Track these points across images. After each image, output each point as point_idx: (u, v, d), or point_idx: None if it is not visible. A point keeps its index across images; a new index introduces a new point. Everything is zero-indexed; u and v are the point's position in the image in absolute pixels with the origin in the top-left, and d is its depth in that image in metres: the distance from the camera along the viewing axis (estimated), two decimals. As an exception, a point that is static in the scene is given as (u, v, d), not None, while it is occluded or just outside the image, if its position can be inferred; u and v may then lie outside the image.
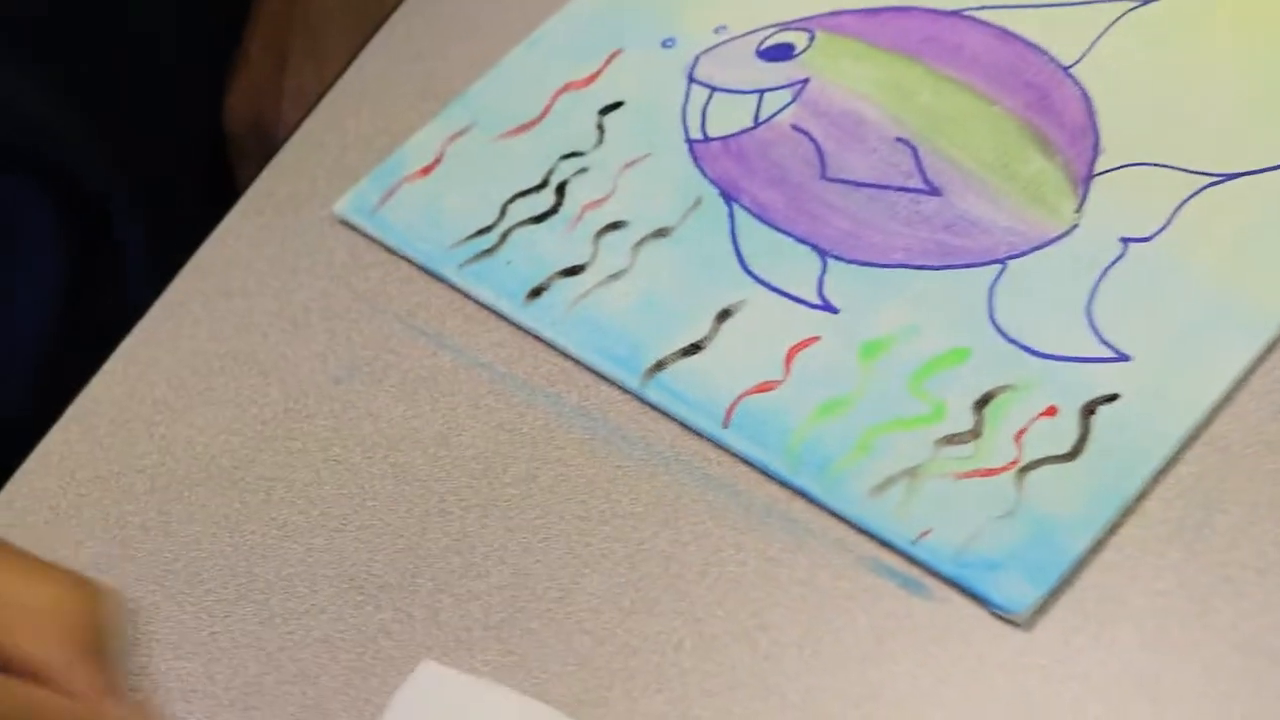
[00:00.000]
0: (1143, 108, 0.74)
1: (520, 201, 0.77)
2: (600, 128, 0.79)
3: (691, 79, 0.80)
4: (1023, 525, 0.63)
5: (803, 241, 0.73)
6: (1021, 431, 0.66)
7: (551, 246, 0.75)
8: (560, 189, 0.77)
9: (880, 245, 0.72)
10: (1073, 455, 0.65)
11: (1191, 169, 0.72)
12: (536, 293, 0.74)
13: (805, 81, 0.78)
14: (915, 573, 0.64)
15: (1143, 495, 0.64)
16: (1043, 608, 0.62)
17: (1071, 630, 0.62)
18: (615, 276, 0.73)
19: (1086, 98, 0.75)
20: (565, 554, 0.67)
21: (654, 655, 0.64)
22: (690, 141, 0.77)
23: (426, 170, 0.79)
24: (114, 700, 0.59)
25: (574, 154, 0.78)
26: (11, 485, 0.73)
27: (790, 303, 0.71)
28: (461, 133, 0.80)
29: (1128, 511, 0.64)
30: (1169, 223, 0.70)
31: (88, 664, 0.59)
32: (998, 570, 0.63)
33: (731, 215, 0.74)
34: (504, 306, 0.74)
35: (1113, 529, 0.64)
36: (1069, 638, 0.62)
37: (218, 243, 0.80)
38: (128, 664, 0.66)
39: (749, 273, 0.72)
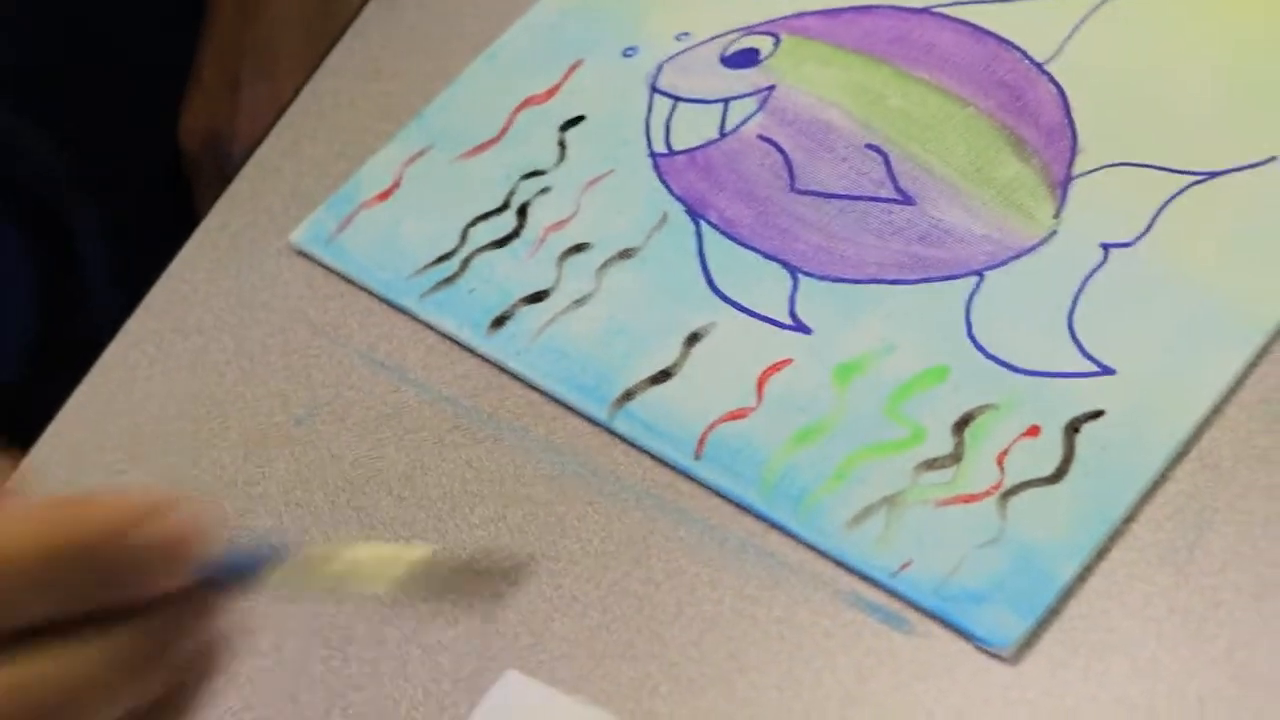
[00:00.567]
0: (1121, 104, 0.72)
1: (481, 225, 0.74)
2: (562, 144, 0.76)
3: (655, 89, 0.77)
4: (1007, 554, 0.61)
5: (772, 258, 0.70)
6: (1003, 453, 0.63)
7: (514, 272, 0.72)
8: (522, 210, 0.74)
9: (853, 260, 0.70)
10: (1057, 477, 0.63)
11: (1173, 168, 0.69)
12: (500, 321, 0.71)
13: (771, 88, 0.76)
14: (897, 606, 0.62)
15: (1130, 517, 0.62)
16: (1030, 640, 0.60)
17: (1060, 663, 0.60)
18: (580, 302, 0.71)
19: (1062, 95, 0.72)
20: (536, 598, 0.65)
21: (629, 702, 0.62)
22: (654, 155, 0.75)
23: (385, 195, 0.77)
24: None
25: (535, 173, 0.75)
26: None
27: (761, 324, 0.69)
28: (420, 154, 0.78)
29: (1115, 535, 0.62)
30: (1151, 226, 0.68)
31: None
32: (982, 602, 0.60)
33: (699, 232, 0.72)
34: (467, 337, 0.71)
35: (1100, 554, 0.61)
36: (1057, 670, 0.60)
37: (173, 279, 0.77)
38: None
39: (718, 293, 0.70)
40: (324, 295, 0.75)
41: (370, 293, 0.74)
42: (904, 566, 0.62)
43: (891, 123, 0.73)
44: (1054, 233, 0.69)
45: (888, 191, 0.71)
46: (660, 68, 0.78)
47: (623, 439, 0.67)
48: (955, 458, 0.64)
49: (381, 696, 0.63)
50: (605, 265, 0.72)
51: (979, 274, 0.68)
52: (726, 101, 0.76)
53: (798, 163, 0.73)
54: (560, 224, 0.73)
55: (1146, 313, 0.66)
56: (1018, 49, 0.74)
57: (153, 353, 0.75)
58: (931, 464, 0.64)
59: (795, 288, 0.69)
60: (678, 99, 0.76)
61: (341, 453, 0.70)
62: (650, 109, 0.76)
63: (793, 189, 0.72)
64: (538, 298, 0.72)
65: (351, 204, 0.77)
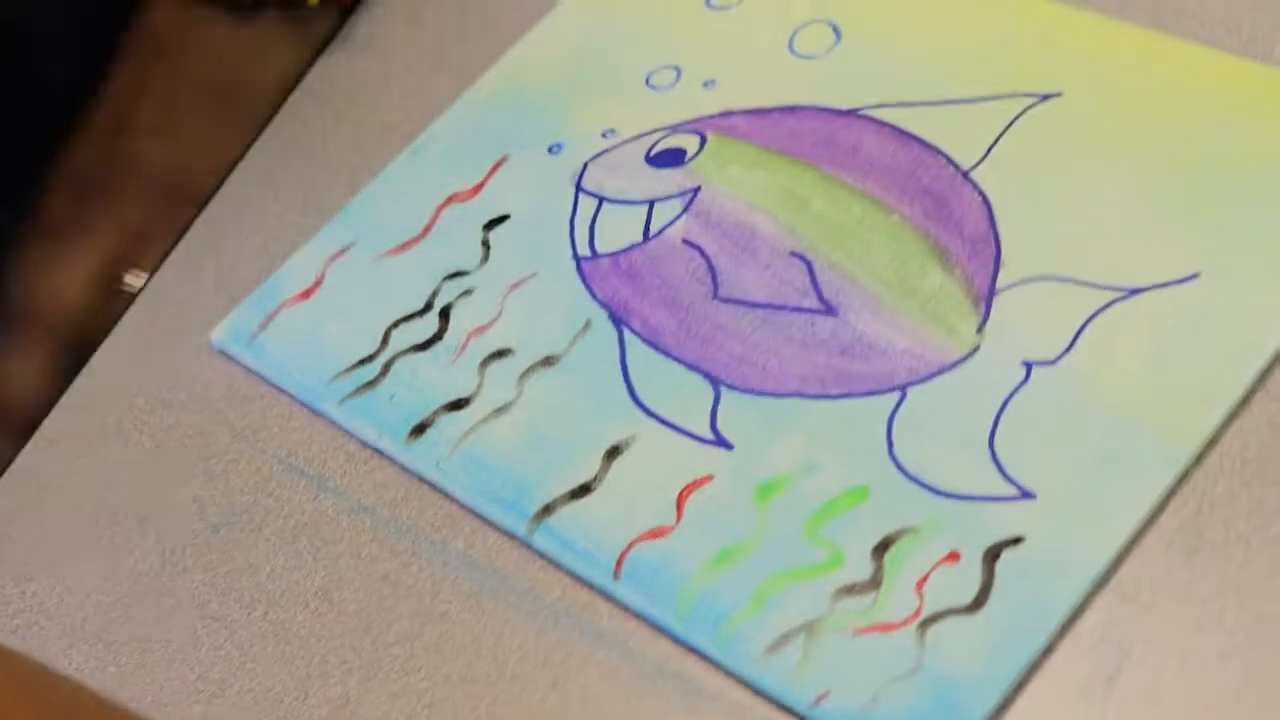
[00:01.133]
0: (1044, 214, 0.71)
1: (404, 327, 0.74)
2: (486, 244, 0.76)
3: (579, 188, 0.76)
4: (924, 687, 0.61)
5: (695, 369, 0.70)
6: (923, 580, 0.63)
7: (436, 377, 0.72)
8: (444, 313, 0.74)
9: (775, 372, 0.69)
10: (976, 606, 0.62)
11: (1096, 283, 0.69)
12: (420, 429, 0.71)
13: (697, 190, 0.75)
14: (814, 738, 0.61)
15: (1049, 649, 0.61)
16: (947, 776, 0.60)
17: (977, 800, 0.59)
18: (501, 410, 0.70)
19: (987, 204, 0.72)
20: (451, 718, 0.64)
21: (544, 833, 0.61)
22: (579, 259, 0.74)
23: (307, 293, 0.76)
24: None
25: (458, 273, 0.75)
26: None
27: (682, 437, 0.68)
28: (343, 251, 0.77)
29: (1034, 667, 0.61)
30: (1073, 344, 0.67)
31: None
32: (899, 737, 0.60)
33: (621, 340, 0.71)
34: (386, 445, 0.71)
35: (1019, 686, 0.61)
36: (975, 808, 0.59)
37: (92, 376, 0.77)
38: None
39: (639, 404, 0.69)
40: (244, 397, 0.74)
41: (291, 396, 0.73)
42: (821, 698, 0.61)
43: (816, 229, 0.72)
44: (977, 348, 0.68)
45: (811, 301, 0.71)
46: (585, 166, 0.77)
47: (541, 555, 0.67)
48: (874, 583, 0.63)
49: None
50: (527, 372, 0.71)
51: (901, 390, 0.68)
52: (652, 203, 0.75)
53: (722, 269, 0.72)
54: (482, 328, 0.73)
55: (1067, 436, 0.65)
56: (943, 154, 0.74)
57: (70, 453, 0.74)
58: (850, 589, 0.63)
59: (717, 400, 0.69)
60: (603, 199, 0.76)
61: (258, 563, 0.69)
62: (575, 209, 0.76)
63: (716, 296, 0.72)
64: (458, 405, 0.71)
65: (273, 301, 0.76)
